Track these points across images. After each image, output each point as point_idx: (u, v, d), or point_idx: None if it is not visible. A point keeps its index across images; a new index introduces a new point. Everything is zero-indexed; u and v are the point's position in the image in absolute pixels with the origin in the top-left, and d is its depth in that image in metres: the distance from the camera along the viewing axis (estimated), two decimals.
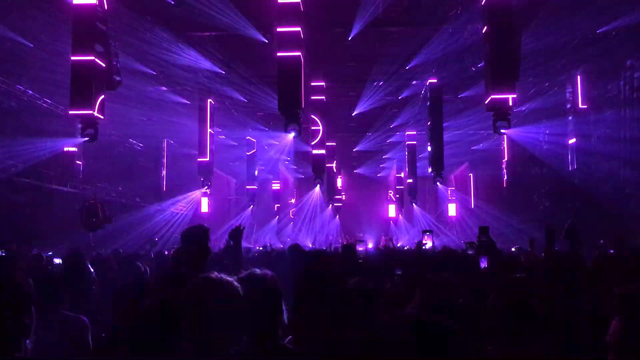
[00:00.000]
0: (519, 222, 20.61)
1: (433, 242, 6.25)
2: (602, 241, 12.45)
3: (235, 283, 2.58)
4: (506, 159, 23.62)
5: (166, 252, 11.63)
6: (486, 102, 10.97)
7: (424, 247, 5.98)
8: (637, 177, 15.41)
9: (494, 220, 21.66)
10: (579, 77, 17.29)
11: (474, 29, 13.99)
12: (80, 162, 18.62)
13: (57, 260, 6.81)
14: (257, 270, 2.87)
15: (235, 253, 4.65)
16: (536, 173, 21.70)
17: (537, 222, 19.39)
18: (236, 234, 4.62)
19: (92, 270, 4.76)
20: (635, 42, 14.99)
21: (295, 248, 7.50)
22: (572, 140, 18.32)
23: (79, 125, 10.78)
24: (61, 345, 3.52)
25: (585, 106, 17.30)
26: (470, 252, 7.59)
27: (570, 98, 18.04)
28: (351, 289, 3.51)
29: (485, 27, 11.16)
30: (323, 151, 17.74)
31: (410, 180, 25.16)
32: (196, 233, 4.09)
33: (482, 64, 11.57)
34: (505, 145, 23.46)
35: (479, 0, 11.51)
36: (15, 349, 2.47)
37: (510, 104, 10.68)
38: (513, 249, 12.74)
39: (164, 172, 24.93)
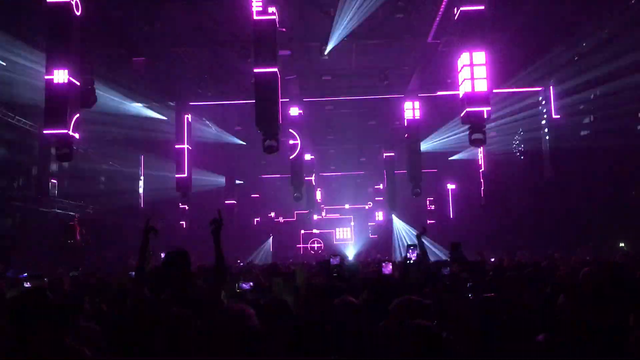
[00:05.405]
0: (497, 232, 20.76)
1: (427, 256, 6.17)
2: (588, 258, 12.31)
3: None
4: (483, 169, 23.76)
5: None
6: (461, 115, 11.09)
7: (409, 262, 5.95)
8: (609, 188, 15.69)
9: (472, 231, 21.74)
10: (551, 87, 17.58)
11: (449, 40, 14.16)
12: (55, 181, 18.28)
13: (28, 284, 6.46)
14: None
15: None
16: (513, 183, 21.93)
17: (515, 232, 19.61)
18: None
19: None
20: (608, 54, 15.30)
21: None
22: (546, 150, 18.55)
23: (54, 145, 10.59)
24: None
25: (559, 116, 17.58)
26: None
27: (544, 108, 18.29)
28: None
29: (459, 39, 11.33)
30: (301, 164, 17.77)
31: (388, 193, 25.22)
32: (175, 258, 4.09)
33: (458, 75, 11.70)
34: (482, 156, 23.62)
35: (453, 13, 11.67)
36: None
37: (485, 116, 10.81)
38: (492, 260, 12.81)
39: (142, 189, 24.60)
